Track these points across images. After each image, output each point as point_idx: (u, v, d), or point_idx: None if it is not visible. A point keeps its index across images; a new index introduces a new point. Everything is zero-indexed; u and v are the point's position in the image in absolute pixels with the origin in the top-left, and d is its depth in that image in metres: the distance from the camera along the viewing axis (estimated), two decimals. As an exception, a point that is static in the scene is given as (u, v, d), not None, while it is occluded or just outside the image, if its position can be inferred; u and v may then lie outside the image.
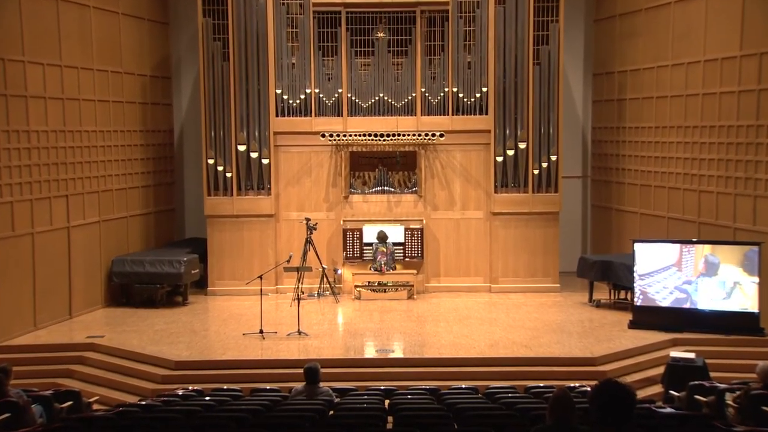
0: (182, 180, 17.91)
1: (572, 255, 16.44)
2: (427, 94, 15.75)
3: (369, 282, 15.35)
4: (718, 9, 13.49)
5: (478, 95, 15.69)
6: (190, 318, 14.05)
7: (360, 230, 15.59)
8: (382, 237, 15.32)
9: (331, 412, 7.86)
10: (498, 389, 9.19)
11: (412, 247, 15.60)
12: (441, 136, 15.46)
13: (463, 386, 9.62)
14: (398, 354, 11.94)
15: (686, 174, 14.35)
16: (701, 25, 13.88)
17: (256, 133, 15.61)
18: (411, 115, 15.75)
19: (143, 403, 8.95)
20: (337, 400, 8.46)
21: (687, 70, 14.26)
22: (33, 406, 8.24)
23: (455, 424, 7.20)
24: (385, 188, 15.93)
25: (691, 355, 10.75)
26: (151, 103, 16.54)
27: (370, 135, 15.45)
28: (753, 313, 12.10)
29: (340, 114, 15.75)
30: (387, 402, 8.35)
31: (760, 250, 11.99)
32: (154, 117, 16.66)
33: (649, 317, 12.67)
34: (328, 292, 15.33)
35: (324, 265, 15.25)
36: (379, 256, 15.27)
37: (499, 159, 15.66)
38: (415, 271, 15.52)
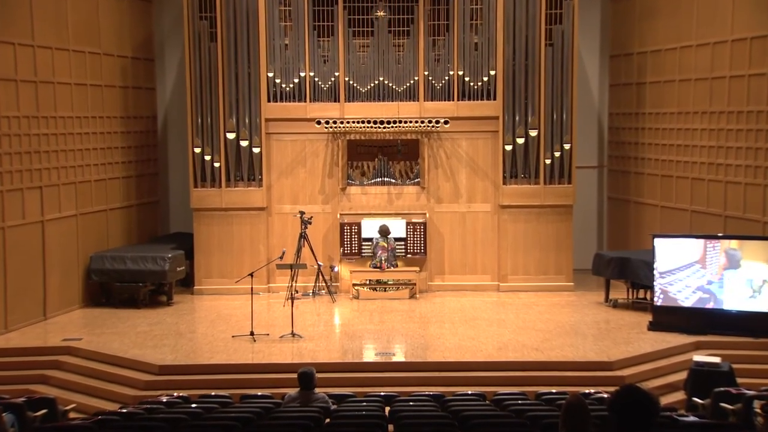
0: (166, 170, 17.88)
1: (587, 251, 16.42)
2: (430, 78, 15.70)
3: (368, 280, 15.34)
4: (746, -15, 13.45)
5: (485, 79, 15.65)
6: (175, 319, 14.03)
7: (358, 224, 15.56)
8: (385, 231, 15.30)
9: (328, 420, 7.88)
10: (507, 395, 9.20)
11: (414, 243, 15.58)
12: (445, 123, 15.42)
13: (470, 392, 9.63)
14: (399, 357, 11.95)
15: (711, 163, 14.31)
16: (728, 2, 13.82)
17: (247, 120, 15.57)
18: (413, 101, 15.71)
19: (124, 411, 8.94)
20: (333, 407, 8.49)
21: (713, 50, 14.21)
22: (4, 414, 8.20)
23: (461, 433, 7.19)
24: (386, 179, 15.91)
25: (716, 360, 10.73)
26: (133, 87, 16.49)
27: (369, 122, 15.42)
28: (783, 313, 12.09)
29: (336, 99, 15.71)
30: (387, 409, 8.36)
31: (790, 246, 11.97)
32: (136, 102, 16.61)
33: (671, 318, 12.65)
34: (324, 291, 15.32)
35: (320, 262, 15.23)
36: (379, 252, 15.25)
37: (508, 148, 15.62)
38: (417, 269, 15.50)
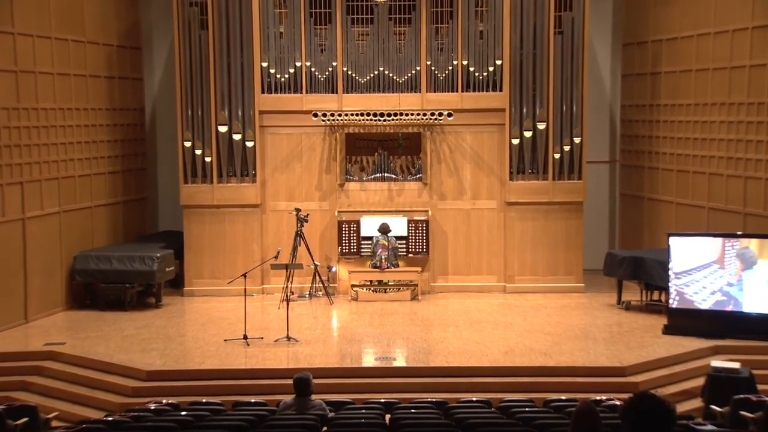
0: (155, 165, 17.88)
1: (598, 250, 16.42)
2: (433, 68, 15.70)
3: (367, 281, 15.36)
4: (767, -31, 13.44)
5: (491, 69, 15.64)
6: (164, 322, 14.04)
7: (357, 222, 15.56)
8: (385, 229, 15.30)
9: (325, 429, 7.89)
10: (514, 402, 9.20)
11: (416, 242, 15.58)
12: (449, 115, 15.41)
13: (474, 399, 9.64)
14: (400, 362, 11.96)
15: (730, 158, 14.31)
16: (747, -12, 13.82)
17: (239, 112, 15.56)
18: (415, 92, 15.70)
19: (110, 419, 8.93)
20: (331, 414, 8.49)
21: (732, 38, 14.19)
22: (-17, 422, 8.21)
23: (465, 443, 7.19)
24: (386, 175, 15.90)
25: (736, 365, 10.71)
26: (119, 78, 16.48)
27: (368, 114, 15.41)
28: (805, 316, 12.08)
29: (334, 91, 15.71)
30: (387, 417, 8.36)
31: (813, 245, 11.96)
32: (123, 93, 16.60)
33: (687, 321, 12.65)
34: (321, 293, 15.33)
35: (316, 262, 15.23)
36: (379, 250, 15.25)
37: (515, 142, 15.61)
38: (419, 269, 15.50)
